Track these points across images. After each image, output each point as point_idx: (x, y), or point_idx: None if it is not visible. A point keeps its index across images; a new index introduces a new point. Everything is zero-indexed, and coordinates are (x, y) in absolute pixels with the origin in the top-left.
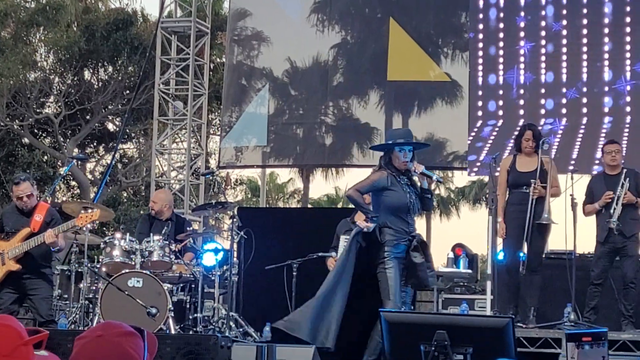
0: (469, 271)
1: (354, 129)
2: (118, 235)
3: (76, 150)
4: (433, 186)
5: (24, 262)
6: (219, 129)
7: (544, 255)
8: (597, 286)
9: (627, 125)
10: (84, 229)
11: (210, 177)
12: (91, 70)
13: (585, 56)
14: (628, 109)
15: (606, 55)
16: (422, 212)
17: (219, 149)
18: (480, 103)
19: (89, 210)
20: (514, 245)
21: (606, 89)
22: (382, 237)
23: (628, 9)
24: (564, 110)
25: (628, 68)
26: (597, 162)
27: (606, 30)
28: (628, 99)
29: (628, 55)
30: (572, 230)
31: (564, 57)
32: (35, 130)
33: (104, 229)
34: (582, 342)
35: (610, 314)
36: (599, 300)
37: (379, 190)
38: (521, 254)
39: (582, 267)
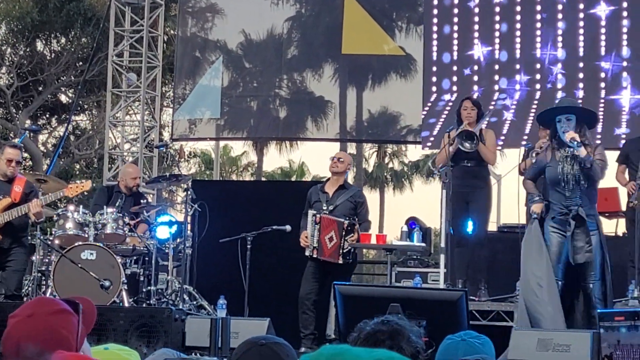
0: (423, 244)
1: (308, 102)
2: (71, 207)
3: (28, 121)
4: (386, 159)
5: (5, 232)
6: (173, 101)
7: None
8: None
9: (580, 100)
10: (74, 199)
11: (164, 150)
12: (44, 42)
13: (538, 32)
14: (581, 84)
15: (559, 32)
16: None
17: (172, 122)
18: (434, 79)
19: (79, 181)
20: (461, 219)
21: (559, 65)
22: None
23: None
24: (517, 87)
25: (581, 44)
26: None
27: (560, 7)
28: (581, 75)
29: (581, 31)
30: (524, 204)
31: (518, 34)
32: None
33: (57, 201)
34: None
35: None
36: None
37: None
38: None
39: None
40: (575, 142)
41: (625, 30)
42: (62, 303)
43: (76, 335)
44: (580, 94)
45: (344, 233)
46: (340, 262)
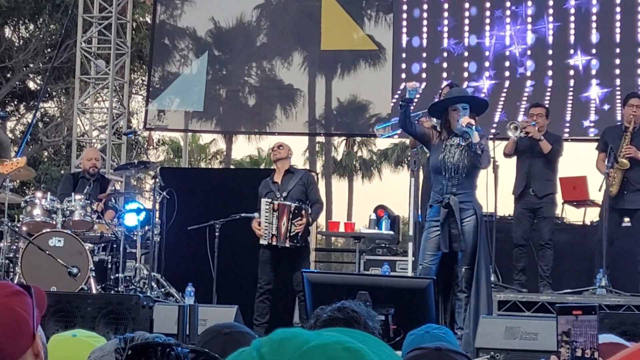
0: (391, 233)
1: (277, 90)
2: (39, 194)
3: None
4: (355, 148)
5: None
6: (141, 88)
7: None
8: (520, 247)
9: (549, 89)
10: (6, 182)
11: (132, 137)
12: (12, 28)
13: (508, 19)
14: (550, 72)
15: (529, 19)
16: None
17: (145, 111)
18: (403, 65)
19: (15, 159)
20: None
21: (529, 52)
22: None
23: None
24: (487, 74)
25: (550, 26)
26: None
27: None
28: (550, 62)
29: (550, 12)
30: (493, 193)
31: (487, 20)
32: None
33: (25, 188)
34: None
35: (529, 276)
36: (526, 262)
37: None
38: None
39: (503, 229)
40: (473, 126)
41: (594, 18)
42: (14, 285)
43: (32, 315)
44: (549, 82)
45: (291, 216)
46: (288, 245)
